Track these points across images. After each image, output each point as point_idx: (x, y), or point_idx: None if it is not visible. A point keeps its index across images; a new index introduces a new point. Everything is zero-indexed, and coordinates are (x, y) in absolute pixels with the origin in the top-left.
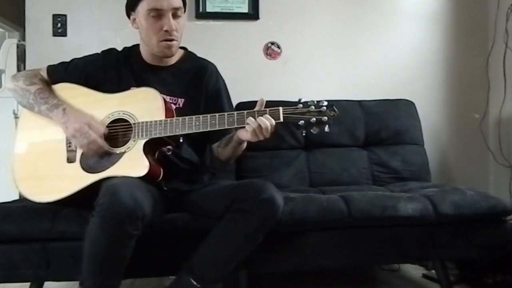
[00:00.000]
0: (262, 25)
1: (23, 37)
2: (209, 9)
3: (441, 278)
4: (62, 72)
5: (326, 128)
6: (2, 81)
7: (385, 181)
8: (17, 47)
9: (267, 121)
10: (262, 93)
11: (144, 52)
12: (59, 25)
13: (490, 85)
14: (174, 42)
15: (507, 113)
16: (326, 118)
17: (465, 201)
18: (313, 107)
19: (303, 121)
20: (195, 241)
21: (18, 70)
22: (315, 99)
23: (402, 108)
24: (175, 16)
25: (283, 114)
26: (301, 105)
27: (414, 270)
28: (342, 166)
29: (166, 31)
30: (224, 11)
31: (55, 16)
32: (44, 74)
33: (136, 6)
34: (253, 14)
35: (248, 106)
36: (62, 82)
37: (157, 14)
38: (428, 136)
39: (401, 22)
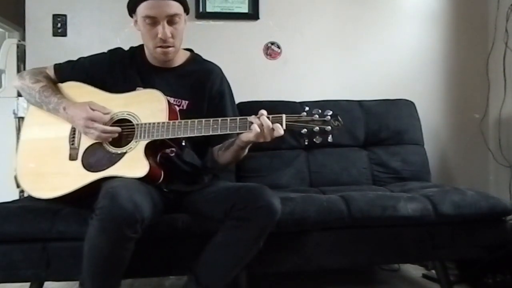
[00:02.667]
0: (262, 25)
1: (23, 37)
2: (209, 9)
3: (441, 278)
4: (68, 71)
5: (330, 138)
6: (2, 81)
7: (385, 181)
8: (17, 47)
9: (278, 130)
10: (262, 93)
11: (148, 54)
12: (59, 25)
13: (490, 85)
14: (170, 49)
15: (507, 113)
16: (329, 128)
17: (465, 201)
18: (317, 116)
19: (305, 130)
20: (195, 241)
21: (18, 70)
22: (317, 99)
23: (402, 108)
24: (171, 22)
25: (286, 121)
26: (305, 113)
27: (414, 270)
28: (342, 166)
29: (161, 38)
30: (224, 11)
31: (55, 16)
32: (51, 72)
33: (135, 9)
34: (253, 14)
35: (248, 106)
36: (69, 80)
37: (152, 21)
38: (428, 136)
39: (401, 22)
